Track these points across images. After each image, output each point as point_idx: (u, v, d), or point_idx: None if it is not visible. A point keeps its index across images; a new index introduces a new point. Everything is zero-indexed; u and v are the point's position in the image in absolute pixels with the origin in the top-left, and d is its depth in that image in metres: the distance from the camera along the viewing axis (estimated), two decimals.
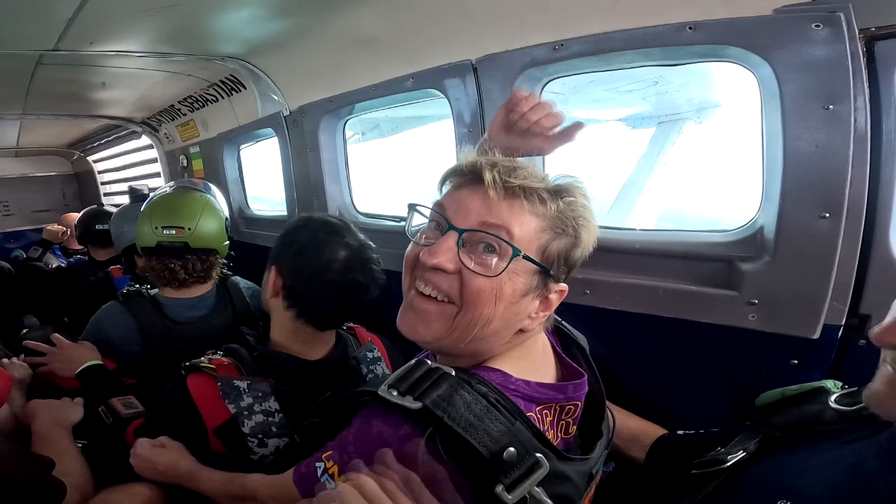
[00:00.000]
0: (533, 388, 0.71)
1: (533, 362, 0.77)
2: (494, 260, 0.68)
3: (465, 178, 0.72)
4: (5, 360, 1.33)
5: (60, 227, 3.34)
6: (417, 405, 0.63)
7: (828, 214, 0.89)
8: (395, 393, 0.65)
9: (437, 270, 0.69)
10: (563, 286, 0.74)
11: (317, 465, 0.70)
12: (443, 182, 0.76)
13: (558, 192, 0.71)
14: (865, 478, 0.58)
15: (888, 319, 0.58)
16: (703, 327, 1.07)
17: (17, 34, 1.54)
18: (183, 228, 1.55)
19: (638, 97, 2.19)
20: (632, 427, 1.05)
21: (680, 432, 1.00)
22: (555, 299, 0.74)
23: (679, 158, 2.44)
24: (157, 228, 1.53)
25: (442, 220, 0.72)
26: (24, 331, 2.42)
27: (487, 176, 0.68)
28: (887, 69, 0.84)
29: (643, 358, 1.21)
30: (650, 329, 1.16)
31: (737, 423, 0.90)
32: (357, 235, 1.14)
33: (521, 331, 0.73)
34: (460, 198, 0.71)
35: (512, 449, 0.61)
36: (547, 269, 0.70)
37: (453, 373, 0.67)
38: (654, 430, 1.04)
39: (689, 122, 2.39)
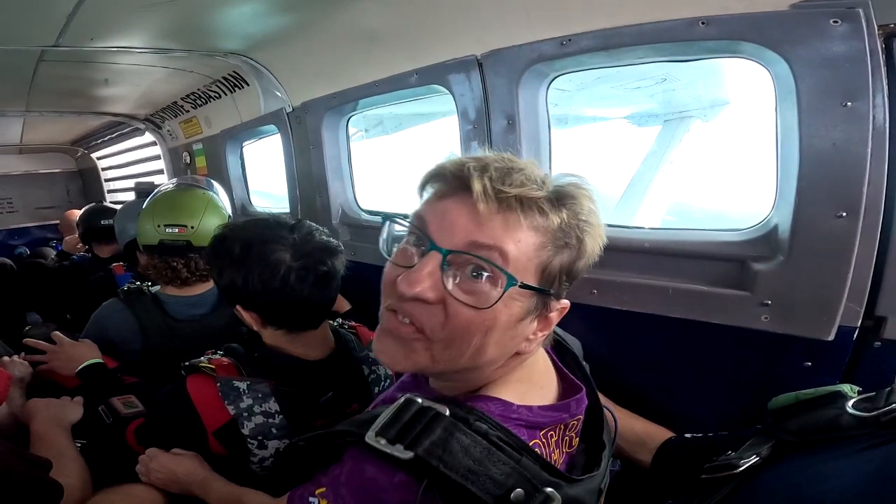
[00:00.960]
0: (536, 414, 0.66)
1: (535, 383, 0.71)
2: (486, 287, 0.58)
3: (450, 185, 0.61)
4: (5, 359, 1.33)
5: (75, 238, 3.27)
6: (409, 455, 0.56)
7: (845, 214, 0.86)
8: (382, 441, 0.58)
9: (417, 301, 0.59)
10: (565, 303, 0.66)
11: (311, 500, 0.65)
12: (423, 187, 0.65)
13: (561, 198, 0.61)
14: (888, 483, 0.56)
15: None
16: (713, 328, 1.05)
17: (18, 30, 1.53)
18: (186, 227, 1.53)
19: (644, 95, 2.16)
20: (638, 430, 1.03)
21: (688, 435, 0.98)
22: (555, 318, 0.66)
23: (686, 156, 2.41)
24: (159, 226, 1.52)
25: (423, 237, 0.61)
26: (27, 328, 2.42)
27: (477, 185, 0.57)
28: None
29: (651, 359, 1.20)
30: (659, 330, 1.14)
31: (747, 426, 0.88)
32: (286, 223, 1.08)
33: (518, 353, 0.66)
34: (444, 210, 0.61)
35: (520, 490, 0.56)
36: (547, 291, 0.62)
37: (447, 412, 0.59)
38: (661, 433, 1.02)
39: (695, 120, 2.36)
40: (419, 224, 0.62)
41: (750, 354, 1.04)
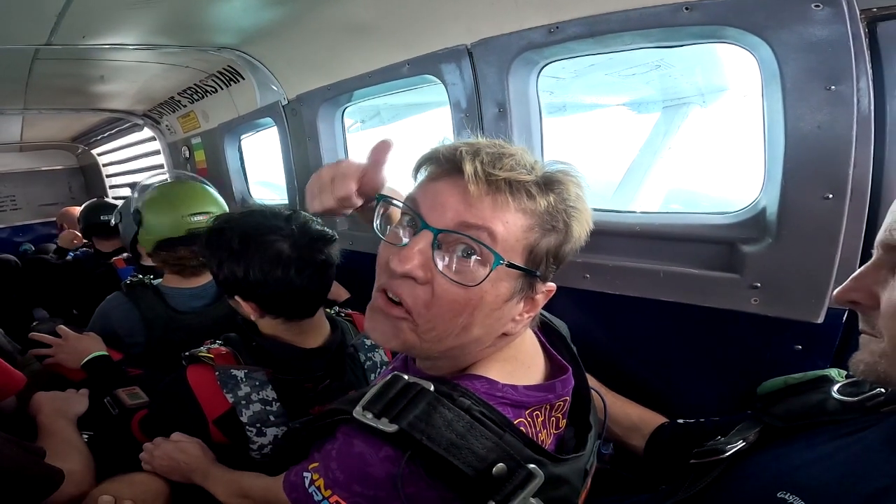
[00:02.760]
0: (521, 393, 0.67)
1: (521, 363, 0.72)
2: (474, 266, 0.61)
3: (443, 167, 0.64)
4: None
5: (73, 232, 3.30)
6: (393, 428, 0.58)
7: (831, 195, 0.87)
8: (369, 415, 0.60)
9: (406, 279, 0.62)
10: (551, 286, 0.69)
11: (304, 475, 0.68)
12: (417, 170, 0.67)
13: (549, 183, 0.63)
14: (869, 465, 0.57)
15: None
16: (704, 311, 1.06)
17: (10, 29, 1.54)
18: (209, 213, 1.56)
19: (640, 81, 2.15)
20: (631, 415, 1.03)
21: (680, 421, 0.99)
22: (541, 299, 0.68)
23: (685, 142, 2.40)
24: (184, 217, 1.53)
25: (415, 217, 0.64)
26: (34, 324, 2.46)
27: (468, 167, 0.59)
28: (890, 50, 0.81)
29: (644, 343, 1.21)
30: (651, 314, 1.15)
31: (740, 410, 0.88)
32: (282, 214, 1.09)
33: (505, 334, 0.68)
34: (437, 191, 0.63)
35: (502, 464, 0.57)
36: (534, 272, 0.64)
37: (432, 388, 0.62)
38: (654, 419, 1.03)
39: (694, 106, 2.35)
40: (412, 205, 0.65)
41: (741, 338, 1.04)
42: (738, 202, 1.06)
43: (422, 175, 0.67)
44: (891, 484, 0.52)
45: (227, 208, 1.66)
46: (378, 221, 0.70)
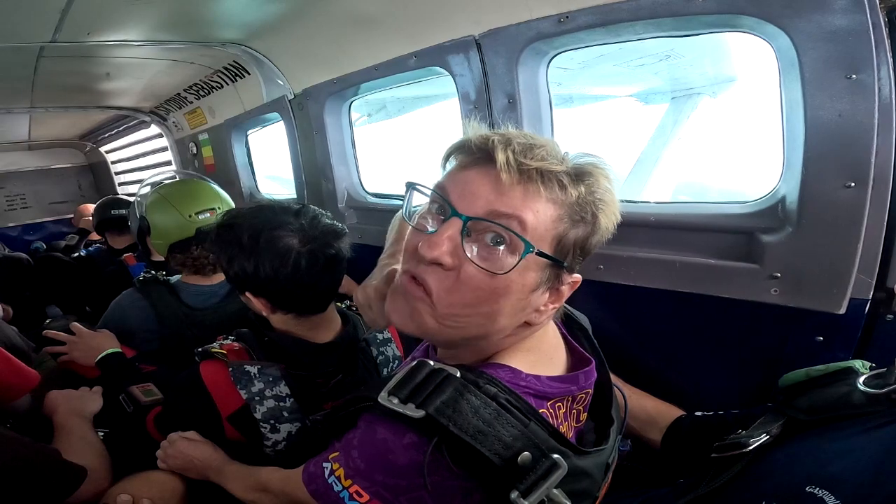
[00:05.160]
0: (544, 384, 0.67)
1: (544, 354, 0.72)
2: (503, 254, 0.61)
3: (474, 156, 0.64)
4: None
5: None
6: (420, 413, 0.58)
7: (853, 184, 0.85)
8: (395, 400, 0.60)
9: (434, 265, 0.62)
10: (577, 277, 0.68)
11: (324, 465, 0.68)
12: (446, 158, 0.67)
13: (580, 175, 0.63)
14: None
15: None
16: (722, 302, 1.05)
17: (15, 27, 1.54)
18: (215, 209, 1.56)
19: (649, 72, 2.12)
20: (648, 408, 1.02)
21: (698, 413, 0.98)
22: (566, 291, 0.68)
23: (695, 132, 2.38)
24: (190, 217, 1.54)
25: (444, 205, 0.64)
26: (48, 321, 2.48)
27: (500, 156, 0.59)
28: None
29: (660, 335, 1.19)
30: (667, 305, 1.14)
31: (758, 403, 0.87)
32: (291, 209, 1.08)
33: (528, 324, 0.68)
34: (467, 180, 0.63)
35: (527, 453, 0.57)
36: (561, 262, 0.63)
37: (458, 374, 0.62)
38: (671, 411, 1.02)
39: (703, 96, 2.33)
40: (442, 193, 0.65)
41: (760, 329, 1.03)
42: (750, 194, 1.04)
43: (451, 164, 0.67)
44: None
45: (231, 202, 1.66)
46: (405, 208, 0.70)
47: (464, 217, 0.61)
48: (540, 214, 0.61)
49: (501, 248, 0.61)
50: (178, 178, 1.89)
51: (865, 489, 0.55)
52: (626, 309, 1.21)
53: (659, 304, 1.15)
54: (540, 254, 0.61)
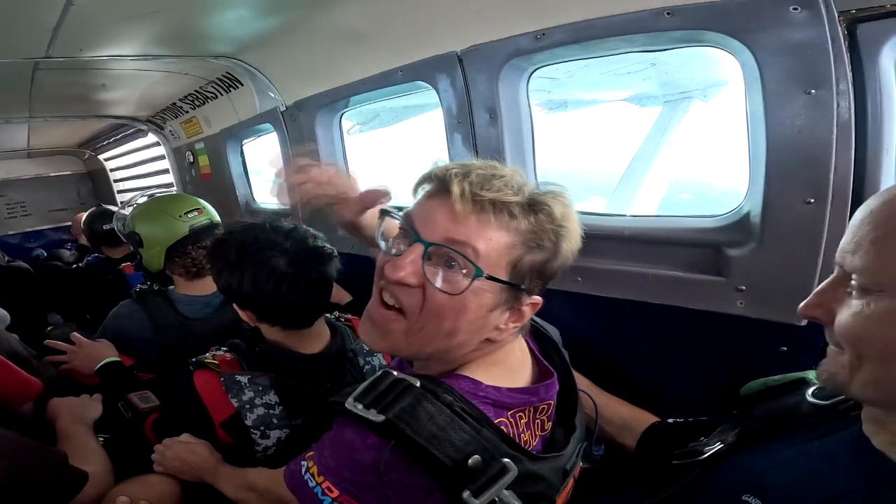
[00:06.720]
0: (504, 395, 0.72)
1: (508, 367, 0.77)
2: (458, 276, 0.66)
3: (436, 187, 0.70)
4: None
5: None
6: (381, 418, 0.64)
7: (812, 200, 0.88)
8: (360, 406, 0.66)
9: (400, 284, 0.68)
10: (537, 299, 0.73)
11: (301, 463, 0.73)
12: (415, 189, 0.74)
13: (534, 204, 0.68)
14: (831, 469, 0.58)
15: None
16: (692, 313, 1.08)
17: (8, 43, 1.57)
18: (200, 209, 1.65)
19: (638, 78, 2.15)
20: (624, 414, 1.05)
21: (671, 420, 1.00)
22: (528, 311, 0.73)
23: (687, 135, 2.40)
24: (180, 217, 1.60)
25: (409, 231, 0.70)
26: (48, 329, 2.52)
27: (456, 188, 0.65)
28: (870, 52, 0.80)
29: (635, 344, 1.23)
30: (641, 315, 1.17)
31: (728, 411, 0.89)
32: (283, 229, 1.13)
33: (490, 340, 0.73)
34: (429, 208, 0.70)
35: (477, 457, 0.62)
36: (517, 286, 0.69)
37: (418, 384, 0.67)
38: (646, 418, 1.04)
39: (695, 100, 2.35)
40: (408, 220, 0.71)
41: (728, 340, 1.06)
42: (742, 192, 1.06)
43: (419, 193, 0.74)
44: (847, 489, 0.54)
45: (213, 210, 1.72)
46: (379, 233, 0.77)
47: (425, 242, 0.68)
48: (492, 242, 0.66)
49: (457, 271, 0.67)
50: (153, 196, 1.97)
51: (794, 497, 0.58)
52: (604, 319, 1.25)
53: (634, 315, 1.18)
54: (490, 277, 0.66)
